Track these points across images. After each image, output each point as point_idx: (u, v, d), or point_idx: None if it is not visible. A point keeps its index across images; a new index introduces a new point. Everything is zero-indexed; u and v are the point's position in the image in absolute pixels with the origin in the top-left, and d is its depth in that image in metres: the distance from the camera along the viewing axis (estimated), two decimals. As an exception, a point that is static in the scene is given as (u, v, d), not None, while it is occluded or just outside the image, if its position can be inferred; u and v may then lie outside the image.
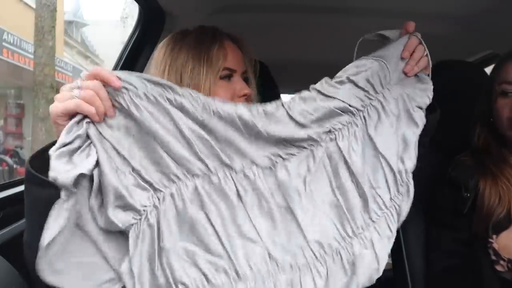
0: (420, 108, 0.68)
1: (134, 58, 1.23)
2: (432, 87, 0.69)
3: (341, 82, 0.64)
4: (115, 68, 1.26)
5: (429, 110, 0.73)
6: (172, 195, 0.58)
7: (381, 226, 0.64)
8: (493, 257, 0.83)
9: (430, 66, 0.68)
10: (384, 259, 0.64)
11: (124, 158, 0.57)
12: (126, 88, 0.56)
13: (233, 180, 0.60)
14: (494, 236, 0.85)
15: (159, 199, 0.58)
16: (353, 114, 0.65)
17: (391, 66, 0.67)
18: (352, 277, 0.61)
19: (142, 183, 0.58)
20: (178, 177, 0.58)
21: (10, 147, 7.66)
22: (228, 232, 0.59)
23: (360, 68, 0.65)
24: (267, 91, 1.04)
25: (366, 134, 0.66)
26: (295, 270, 0.60)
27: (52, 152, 0.53)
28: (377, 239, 0.64)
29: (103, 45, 12.18)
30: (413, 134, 0.67)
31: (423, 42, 0.68)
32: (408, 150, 0.67)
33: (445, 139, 1.13)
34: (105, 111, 0.57)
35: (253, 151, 0.61)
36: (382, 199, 0.65)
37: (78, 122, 0.55)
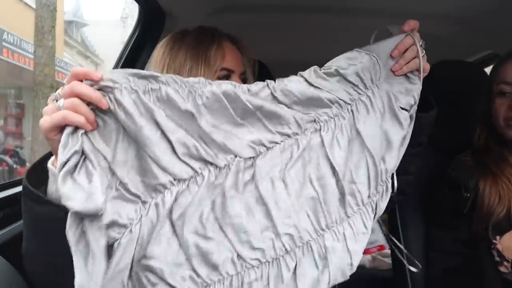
0: (404, 109, 0.67)
1: (134, 58, 1.23)
2: (419, 88, 0.67)
3: (329, 74, 0.63)
4: (115, 68, 1.26)
5: (426, 109, 0.72)
6: (156, 205, 0.56)
7: (355, 222, 0.63)
8: (497, 258, 0.83)
9: (422, 68, 0.67)
10: (358, 255, 0.63)
11: (114, 173, 0.55)
12: (110, 87, 0.53)
13: (215, 177, 0.59)
14: (498, 237, 0.85)
15: (145, 209, 0.56)
16: (341, 107, 0.64)
17: (382, 62, 0.66)
18: (324, 271, 0.60)
19: (129, 196, 0.55)
20: (164, 186, 0.56)
21: (10, 147, 7.66)
22: (194, 239, 0.56)
23: (351, 61, 0.64)
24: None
25: (354, 128, 0.64)
26: (264, 265, 0.59)
27: (59, 175, 0.51)
28: (350, 234, 0.63)
29: (103, 45, 12.19)
30: (397, 135, 0.66)
31: (418, 44, 0.66)
32: (391, 150, 0.66)
33: (445, 139, 1.13)
34: (92, 118, 0.53)
35: (238, 140, 0.59)
36: (361, 195, 0.64)
37: (72, 133, 0.52)
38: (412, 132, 0.69)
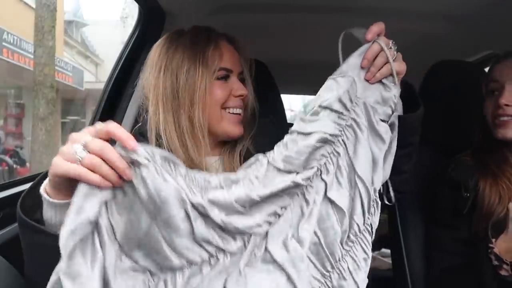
0: (384, 121, 0.65)
1: (134, 58, 1.23)
2: (396, 95, 0.65)
3: (316, 113, 0.62)
4: (115, 68, 1.26)
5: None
6: (165, 282, 0.55)
7: (356, 252, 0.63)
8: (495, 262, 0.82)
9: (395, 71, 0.64)
10: (364, 281, 0.63)
11: (122, 246, 0.53)
12: (138, 162, 0.51)
13: (230, 257, 0.58)
14: (494, 240, 0.84)
15: (154, 283, 0.55)
16: (333, 142, 0.62)
17: (356, 77, 0.64)
18: None
19: (138, 267, 0.54)
20: (175, 268, 0.55)
21: (10, 147, 7.66)
22: None
23: (330, 91, 0.63)
24: (266, 91, 1.04)
25: (348, 159, 0.63)
26: None
27: (62, 246, 0.48)
28: (354, 266, 0.62)
29: (103, 45, 12.16)
30: (379, 151, 0.64)
31: (386, 49, 0.64)
32: (377, 168, 0.64)
33: (445, 138, 1.13)
34: (116, 178, 0.51)
35: (253, 220, 0.58)
36: (358, 225, 0.63)
37: (88, 195, 0.50)
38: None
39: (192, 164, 0.74)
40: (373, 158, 0.64)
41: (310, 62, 1.65)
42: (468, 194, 0.93)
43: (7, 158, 6.80)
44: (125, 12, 11.17)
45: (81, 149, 0.51)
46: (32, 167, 5.86)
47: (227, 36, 0.81)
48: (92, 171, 0.50)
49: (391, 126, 0.66)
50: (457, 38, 1.36)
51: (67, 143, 0.52)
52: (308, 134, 0.61)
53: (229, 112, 0.78)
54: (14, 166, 6.82)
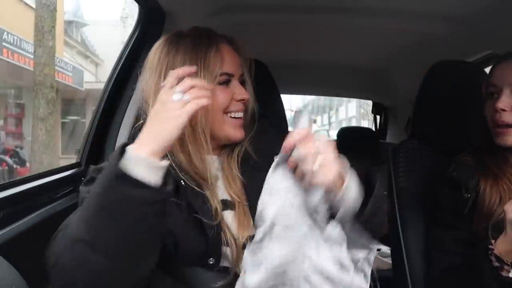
0: (329, 219, 0.63)
1: (134, 58, 1.23)
2: (321, 202, 0.61)
3: (256, 244, 0.63)
4: (115, 68, 1.26)
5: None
6: None
7: None
8: (496, 264, 0.82)
9: (315, 184, 0.60)
10: None
11: None
12: None
13: None
14: (493, 241, 0.84)
15: None
16: (294, 261, 0.61)
17: (290, 194, 0.62)
18: None
19: None
20: None
21: (10, 147, 7.66)
22: None
23: (261, 221, 0.63)
24: (266, 91, 1.04)
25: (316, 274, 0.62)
26: None
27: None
28: None
29: (103, 45, 12.15)
30: (339, 252, 0.63)
31: (301, 167, 0.60)
32: (346, 269, 0.63)
33: (445, 138, 1.13)
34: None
35: None
36: None
37: None
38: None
39: (194, 168, 0.74)
40: (339, 262, 0.63)
41: (310, 62, 1.65)
42: (469, 195, 0.93)
43: (7, 158, 6.81)
44: (125, 12, 11.19)
45: (180, 95, 0.61)
46: (32, 167, 5.86)
47: (227, 37, 0.81)
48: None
49: (343, 222, 0.63)
50: (457, 38, 1.36)
51: (157, 104, 0.63)
52: (258, 264, 0.62)
53: (230, 117, 0.78)
54: (14, 166, 6.83)
